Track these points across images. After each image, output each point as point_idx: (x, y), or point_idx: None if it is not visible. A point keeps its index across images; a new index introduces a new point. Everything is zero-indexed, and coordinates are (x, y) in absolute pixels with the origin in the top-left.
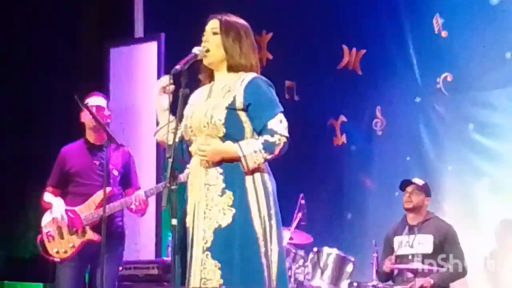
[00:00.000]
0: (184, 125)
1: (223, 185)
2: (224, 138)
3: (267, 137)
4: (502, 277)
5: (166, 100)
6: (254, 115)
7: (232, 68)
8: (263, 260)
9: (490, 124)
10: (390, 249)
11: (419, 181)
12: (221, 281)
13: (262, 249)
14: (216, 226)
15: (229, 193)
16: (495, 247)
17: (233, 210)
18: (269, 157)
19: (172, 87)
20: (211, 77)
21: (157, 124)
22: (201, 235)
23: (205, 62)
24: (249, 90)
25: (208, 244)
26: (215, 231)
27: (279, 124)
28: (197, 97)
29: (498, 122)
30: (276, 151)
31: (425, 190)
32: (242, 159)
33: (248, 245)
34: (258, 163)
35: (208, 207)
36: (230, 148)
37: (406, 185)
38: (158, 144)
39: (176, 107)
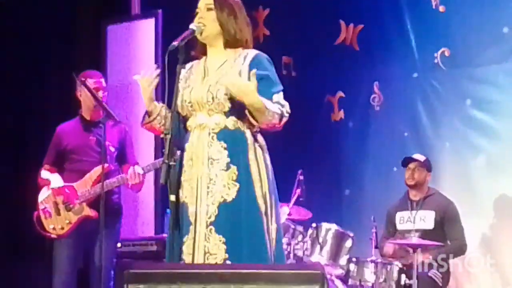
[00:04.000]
0: (182, 100)
1: (228, 160)
2: (228, 113)
3: (279, 106)
4: (499, 254)
5: (153, 91)
6: (260, 87)
7: (229, 43)
8: (266, 236)
9: (487, 100)
10: (392, 225)
11: (421, 157)
12: (226, 256)
13: (265, 226)
14: (220, 201)
15: (233, 168)
16: (492, 223)
17: (237, 185)
18: (278, 123)
19: (157, 80)
20: (204, 53)
21: (146, 113)
22: (204, 209)
23: (200, 37)
24: (254, 65)
25: (212, 219)
26: (220, 206)
27: (284, 100)
28: (192, 73)
29: (495, 98)
30: (282, 122)
31: (427, 166)
32: (266, 112)
33: (253, 220)
34: (270, 123)
35: (212, 182)
36: (256, 94)
37: (409, 162)
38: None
39: (173, 83)
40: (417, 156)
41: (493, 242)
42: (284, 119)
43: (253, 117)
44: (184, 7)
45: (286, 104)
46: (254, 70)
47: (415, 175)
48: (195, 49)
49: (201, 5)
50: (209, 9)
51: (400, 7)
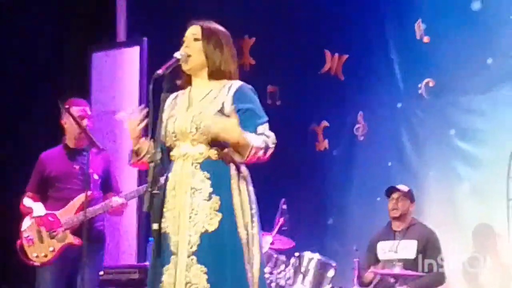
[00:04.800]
0: (166, 131)
1: (210, 190)
2: (211, 143)
3: (265, 137)
4: (482, 281)
5: (141, 131)
6: (244, 120)
7: (213, 74)
8: (247, 267)
9: (471, 130)
10: (373, 255)
11: (404, 188)
12: (207, 286)
13: (246, 255)
14: (202, 231)
15: (215, 198)
16: (475, 251)
17: (220, 215)
18: (262, 156)
19: (146, 121)
20: (188, 83)
21: (132, 151)
22: (186, 239)
23: (185, 67)
24: (238, 97)
25: (194, 249)
26: (202, 236)
27: (269, 131)
28: (178, 102)
29: (479, 127)
30: (267, 154)
31: (410, 197)
32: (251, 148)
33: (234, 251)
34: (254, 157)
35: (194, 212)
36: (239, 131)
37: (392, 192)
38: None
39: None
40: (400, 186)
41: (475, 269)
42: (270, 151)
43: (239, 153)
44: (169, 35)
45: (272, 135)
46: (233, 106)
47: (398, 205)
48: (180, 79)
49: (188, 34)
50: (196, 39)
51: (385, 38)
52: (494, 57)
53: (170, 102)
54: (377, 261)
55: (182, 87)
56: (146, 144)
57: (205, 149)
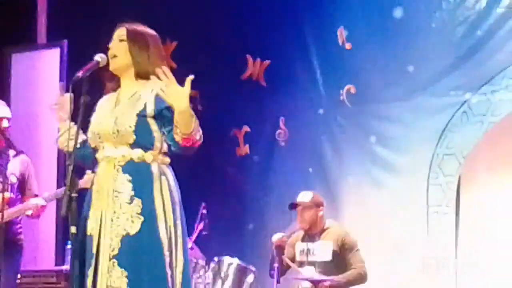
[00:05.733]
0: (92, 132)
1: (132, 193)
2: (133, 145)
3: None
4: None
5: (66, 113)
6: (167, 118)
7: (140, 75)
8: (168, 270)
9: (392, 137)
10: (292, 255)
11: (305, 199)
12: None
13: (167, 259)
14: (123, 234)
15: (137, 201)
16: (394, 257)
17: (141, 218)
18: (198, 140)
19: (68, 106)
20: (118, 85)
21: (58, 131)
22: (108, 242)
23: (111, 67)
24: (160, 98)
25: (115, 252)
26: (123, 239)
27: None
28: (104, 104)
29: (399, 135)
30: (199, 142)
31: (315, 203)
32: (193, 121)
33: (153, 254)
34: (193, 135)
35: (116, 215)
36: (188, 102)
37: (295, 206)
38: (59, 151)
39: (77, 115)
40: (301, 197)
41: (396, 275)
42: (200, 140)
43: (180, 127)
44: (89, 38)
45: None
46: (191, 76)
47: (305, 217)
48: (108, 81)
49: (115, 36)
50: (121, 40)
51: (307, 44)
52: (415, 65)
53: (101, 104)
54: (294, 261)
55: (110, 90)
56: (66, 127)
57: (127, 151)
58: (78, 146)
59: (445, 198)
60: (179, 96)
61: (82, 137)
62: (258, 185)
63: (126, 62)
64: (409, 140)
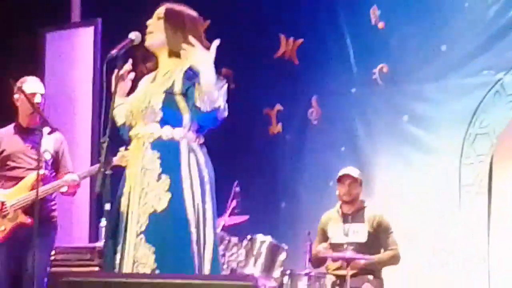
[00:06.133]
0: (126, 110)
1: (160, 170)
2: (162, 122)
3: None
4: (435, 265)
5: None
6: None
7: (174, 53)
8: (194, 247)
9: (424, 116)
10: (324, 236)
11: (355, 172)
12: (154, 266)
13: (194, 236)
14: (151, 211)
15: (165, 178)
16: (427, 237)
17: (169, 195)
18: (220, 110)
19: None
20: (157, 64)
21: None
22: (135, 219)
23: (146, 43)
24: (188, 75)
25: (143, 228)
26: (150, 216)
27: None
28: (142, 83)
29: (431, 114)
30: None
31: (360, 181)
32: (215, 89)
33: (180, 231)
34: (215, 102)
35: (144, 191)
36: (212, 67)
37: (344, 178)
38: (93, 129)
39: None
40: (352, 171)
41: (428, 256)
42: (224, 114)
43: (202, 92)
44: (123, 16)
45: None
46: (217, 40)
47: (351, 190)
48: (149, 61)
49: (155, 13)
50: (159, 18)
51: (340, 23)
52: (448, 44)
53: (140, 83)
54: (328, 243)
55: (154, 69)
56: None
57: (156, 128)
58: (120, 123)
59: (477, 178)
60: (203, 59)
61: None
62: (290, 163)
63: (161, 39)
64: (442, 119)
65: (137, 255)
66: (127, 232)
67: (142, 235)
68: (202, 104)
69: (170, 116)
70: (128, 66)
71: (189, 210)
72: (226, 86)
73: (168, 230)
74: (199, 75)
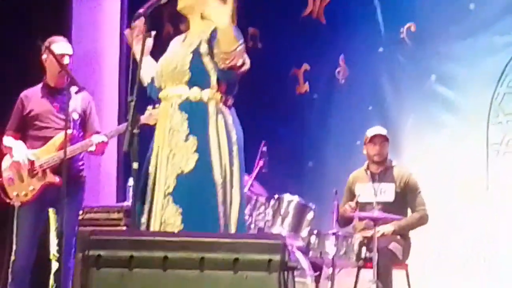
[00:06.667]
0: (156, 71)
1: (187, 131)
2: (190, 84)
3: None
4: (462, 230)
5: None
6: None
7: (204, 16)
8: (220, 208)
9: (452, 76)
10: (351, 196)
11: (383, 131)
12: (181, 226)
13: (220, 197)
14: (179, 172)
15: (193, 139)
16: (454, 198)
17: (196, 156)
18: (239, 66)
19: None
20: (188, 25)
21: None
22: (163, 180)
23: (178, 7)
24: (214, 34)
25: (170, 190)
26: (178, 177)
27: None
28: (173, 44)
29: (459, 73)
30: (242, 68)
31: (388, 139)
32: (234, 39)
33: (206, 191)
34: (236, 60)
35: (172, 153)
36: (228, 18)
37: (376, 137)
38: (120, 88)
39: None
40: (382, 130)
41: (455, 218)
42: (244, 67)
43: (220, 46)
44: None
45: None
46: None
47: (382, 151)
48: (182, 23)
49: None
50: None
51: None
52: (476, 3)
53: (171, 44)
54: (355, 202)
55: (185, 30)
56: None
57: (184, 89)
58: (146, 83)
59: (505, 137)
60: (220, 12)
61: (151, 74)
62: (317, 122)
63: (191, 2)
64: (470, 78)
65: (165, 216)
66: (155, 192)
67: (169, 196)
68: (220, 61)
69: (198, 77)
70: (139, 22)
71: (216, 171)
72: (243, 44)
73: (195, 191)
74: (217, 31)
